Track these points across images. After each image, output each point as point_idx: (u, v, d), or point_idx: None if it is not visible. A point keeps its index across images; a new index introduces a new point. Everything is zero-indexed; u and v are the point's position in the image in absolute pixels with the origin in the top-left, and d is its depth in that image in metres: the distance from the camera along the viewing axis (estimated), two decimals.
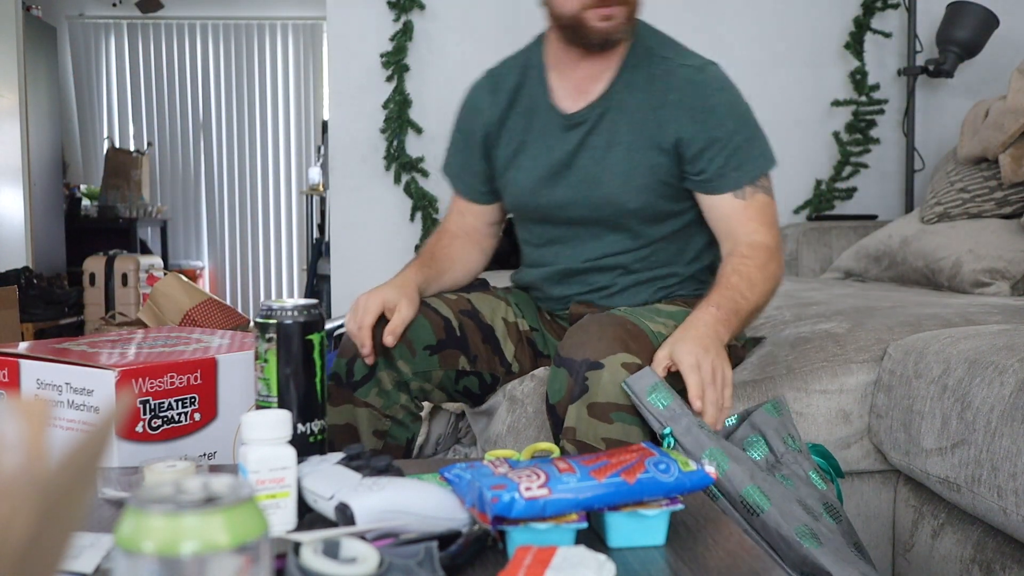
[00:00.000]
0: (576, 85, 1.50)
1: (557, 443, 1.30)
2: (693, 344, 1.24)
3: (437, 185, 3.17)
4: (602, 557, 0.76)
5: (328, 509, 0.87)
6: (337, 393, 1.45)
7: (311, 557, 0.70)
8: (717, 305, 1.32)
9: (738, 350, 1.62)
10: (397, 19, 3.14)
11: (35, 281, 4.78)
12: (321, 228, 5.41)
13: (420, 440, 2.01)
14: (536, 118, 1.54)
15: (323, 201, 5.40)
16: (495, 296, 1.60)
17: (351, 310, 1.43)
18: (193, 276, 6.13)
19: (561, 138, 1.51)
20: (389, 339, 1.39)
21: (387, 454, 1.37)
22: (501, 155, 1.58)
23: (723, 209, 1.46)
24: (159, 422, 1.20)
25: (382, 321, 1.42)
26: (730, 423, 1.28)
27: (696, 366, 1.22)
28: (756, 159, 1.46)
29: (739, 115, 1.46)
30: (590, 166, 1.49)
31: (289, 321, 1.04)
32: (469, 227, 1.67)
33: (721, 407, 1.23)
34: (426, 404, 1.97)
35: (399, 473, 0.97)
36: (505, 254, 1.82)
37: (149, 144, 6.48)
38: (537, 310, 1.65)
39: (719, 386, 1.23)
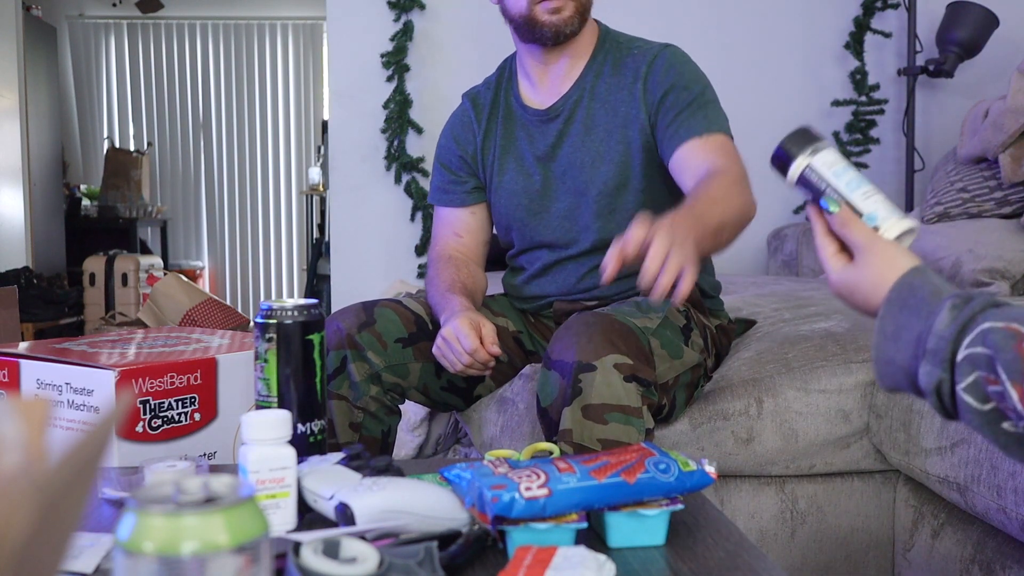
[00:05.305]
0: (549, 83, 1.56)
1: None
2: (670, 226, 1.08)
3: None
4: (602, 557, 0.76)
5: (328, 509, 0.87)
6: None
7: (311, 557, 0.70)
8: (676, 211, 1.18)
9: (726, 328, 1.64)
10: (397, 19, 3.14)
11: (35, 281, 4.78)
12: (321, 228, 5.41)
13: (420, 440, 2.01)
14: (513, 122, 1.59)
15: (323, 201, 5.40)
16: None
17: (442, 347, 1.39)
18: (193, 276, 6.13)
19: (542, 131, 1.56)
20: (495, 348, 1.36)
21: (364, 447, 1.37)
22: (488, 165, 1.61)
23: (683, 157, 1.43)
24: (159, 422, 1.20)
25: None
26: None
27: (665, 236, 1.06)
28: (716, 116, 1.46)
29: (701, 81, 1.49)
30: (571, 152, 1.53)
31: (289, 321, 1.04)
32: (467, 249, 1.64)
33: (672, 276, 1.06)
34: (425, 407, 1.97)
35: (399, 473, 0.97)
36: (498, 257, 1.80)
37: (149, 144, 6.48)
38: (520, 313, 1.66)
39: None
